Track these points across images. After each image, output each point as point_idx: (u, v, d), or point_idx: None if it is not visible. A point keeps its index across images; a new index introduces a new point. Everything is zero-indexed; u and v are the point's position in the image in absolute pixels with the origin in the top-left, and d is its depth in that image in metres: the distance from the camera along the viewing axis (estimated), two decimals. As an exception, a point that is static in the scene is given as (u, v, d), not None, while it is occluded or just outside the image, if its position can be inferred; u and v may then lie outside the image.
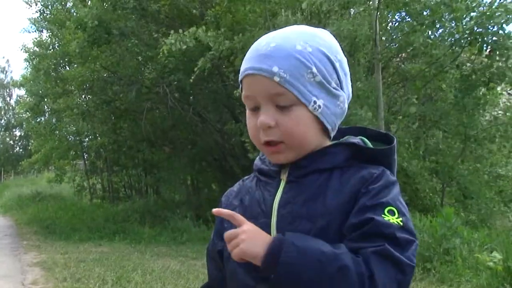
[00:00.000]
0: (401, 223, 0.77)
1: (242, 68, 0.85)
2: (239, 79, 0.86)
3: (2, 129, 34.89)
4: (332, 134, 0.87)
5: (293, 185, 0.85)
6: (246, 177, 0.97)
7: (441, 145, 6.79)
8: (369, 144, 0.88)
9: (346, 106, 0.87)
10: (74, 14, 10.76)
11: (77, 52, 9.81)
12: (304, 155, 0.84)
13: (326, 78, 0.83)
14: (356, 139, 0.87)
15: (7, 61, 45.04)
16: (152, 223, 10.06)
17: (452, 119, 6.76)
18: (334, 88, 0.84)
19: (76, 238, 8.88)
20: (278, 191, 0.85)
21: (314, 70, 0.81)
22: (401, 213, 0.79)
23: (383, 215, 0.77)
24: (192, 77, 7.34)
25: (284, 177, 0.86)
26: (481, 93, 6.42)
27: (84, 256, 6.90)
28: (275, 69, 0.80)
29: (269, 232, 0.82)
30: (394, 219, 0.77)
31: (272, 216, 0.84)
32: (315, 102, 0.82)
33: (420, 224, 5.72)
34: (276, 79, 0.80)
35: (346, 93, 0.87)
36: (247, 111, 0.86)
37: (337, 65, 0.85)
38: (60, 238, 8.96)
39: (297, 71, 0.80)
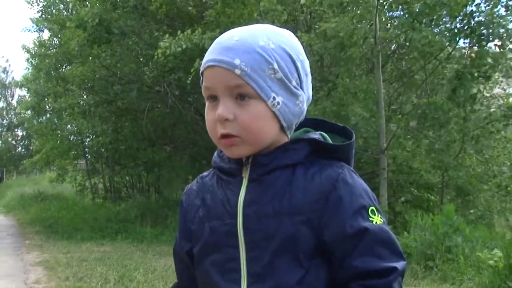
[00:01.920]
0: (382, 220, 0.82)
1: (204, 60, 0.85)
2: (200, 71, 0.86)
3: (4, 129, 34.96)
4: (289, 133, 0.87)
5: (256, 183, 0.84)
6: (204, 173, 0.96)
7: (439, 144, 6.78)
8: (328, 139, 0.88)
9: (305, 107, 0.87)
10: (75, 13, 10.76)
11: (76, 51, 9.81)
12: (258, 150, 0.84)
13: (287, 76, 0.83)
14: (316, 135, 0.87)
15: (7, 60, 45.14)
16: (153, 222, 10.07)
17: (448, 114, 6.75)
18: (294, 87, 0.84)
19: (78, 238, 8.90)
20: (241, 190, 0.84)
21: (276, 66, 0.81)
22: (378, 210, 0.83)
23: (370, 219, 0.80)
24: (189, 78, 7.35)
25: (246, 175, 0.85)
26: (473, 89, 6.41)
27: (86, 255, 6.91)
28: (237, 61, 0.80)
29: (236, 233, 0.83)
30: (378, 219, 0.81)
31: (238, 216, 0.83)
32: (274, 98, 0.81)
33: (422, 222, 5.72)
34: (237, 71, 0.79)
35: (306, 94, 0.87)
36: (206, 104, 0.85)
37: (298, 64, 0.85)
38: (62, 238, 8.98)
39: (258, 65, 0.80)
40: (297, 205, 0.80)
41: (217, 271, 0.84)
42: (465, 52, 6.65)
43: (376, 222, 0.80)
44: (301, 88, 0.86)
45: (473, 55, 6.33)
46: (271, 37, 0.83)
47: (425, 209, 6.68)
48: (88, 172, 15.44)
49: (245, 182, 0.85)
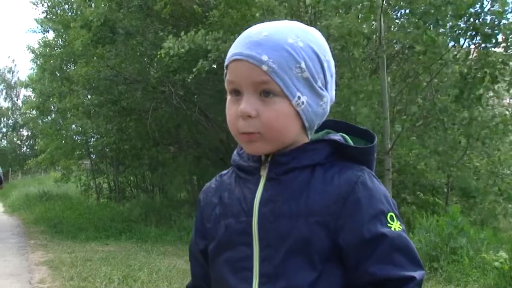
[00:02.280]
0: (401, 227, 0.80)
1: (229, 53, 0.84)
2: (226, 63, 0.84)
3: (10, 129, 35.14)
4: (310, 133, 0.86)
5: (274, 182, 0.83)
6: (223, 172, 0.95)
7: (444, 145, 6.74)
8: (350, 141, 0.87)
9: (328, 108, 0.86)
10: (79, 13, 10.79)
11: (81, 51, 9.85)
12: (279, 149, 0.83)
13: (314, 75, 0.82)
14: (337, 136, 0.86)
15: (13, 60, 45.31)
16: (158, 222, 10.09)
17: (454, 114, 6.72)
18: (319, 87, 0.83)
19: (83, 237, 8.93)
20: (259, 188, 0.84)
21: (303, 65, 0.80)
22: (397, 217, 0.80)
23: (388, 225, 0.78)
24: (190, 78, 7.36)
25: (264, 174, 0.84)
26: (479, 91, 6.38)
27: (91, 255, 6.93)
28: (265, 57, 0.78)
29: (250, 231, 0.82)
30: (397, 225, 0.79)
31: (254, 214, 0.82)
32: (299, 98, 0.80)
33: (426, 224, 5.69)
34: (264, 68, 0.78)
35: (330, 95, 0.86)
36: (228, 98, 0.84)
37: (325, 64, 0.84)
38: (67, 237, 9.01)
39: (286, 63, 0.79)
40: (314, 206, 0.79)
41: (229, 269, 0.84)
42: (470, 53, 6.61)
43: (394, 229, 0.79)
44: (326, 88, 0.85)
45: (475, 55, 6.30)
46: (299, 35, 0.82)
47: (429, 210, 6.65)
48: (93, 172, 15.48)
49: (263, 181, 0.84)
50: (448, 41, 6.32)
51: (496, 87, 6.69)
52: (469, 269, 4.83)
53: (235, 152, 0.93)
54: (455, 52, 6.38)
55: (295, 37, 0.81)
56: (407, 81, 7.66)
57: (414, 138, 7.34)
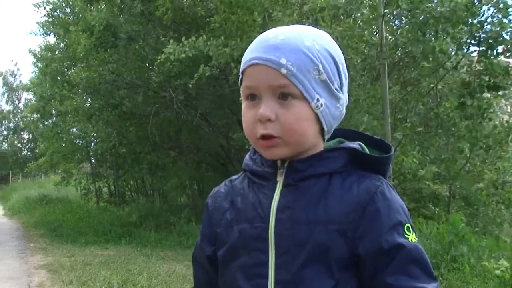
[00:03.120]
0: (416, 238, 0.81)
1: (246, 58, 0.83)
2: (241, 69, 0.84)
3: (11, 132, 35.20)
4: (327, 137, 0.86)
5: (291, 188, 0.82)
6: (233, 177, 0.94)
7: (447, 153, 6.74)
8: (366, 150, 0.86)
9: (344, 110, 0.87)
10: (81, 16, 10.81)
11: (83, 55, 9.88)
12: (297, 153, 0.82)
13: (330, 78, 0.82)
14: (355, 144, 0.86)
15: (16, 64, 45.49)
16: (157, 227, 10.07)
17: (457, 123, 6.72)
18: (336, 89, 0.83)
19: (83, 241, 8.91)
20: (275, 194, 0.83)
21: (321, 67, 0.80)
22: (413, 228, 0.81)
23: (406, 236, 0.79)
24: (191, 84, 7.36)
25: (280, 180, 0.83)
26: (483, 100, 6.37)
27: (90, 259, 6.92)
28: (283, 60, 0.78)
29: (266, 238, 0.81)
30: (413, 237, 0.80)
31: (271, 220, 0.81)
32: (318, 100, 0.80)
33: (427, 231, 5.68)
34: (283, 71, 0.78)
35: (345, 97, 0.86)
36: (244, 103, 0.84)
37: (340, 67, 0.85)
38: (66, 241, 8.99)
39: (304, 66, 0.79)
40: (333, 214, 0.79)
41: (243, 275, 0.82)
42: (473, 61, 6.61)
43: (411, 240, 0.79)
44: (342, 91, 0.85)
45: (477, 65, 6.29)
46: (315, 38, 0.83)
47: (430, 218, 6.64)
48: (93, 176, 15.49)
49: (279, 187, 0.83)
50: (450, 48, 6.33)
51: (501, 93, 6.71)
52: (469, 277, 4.81)
53: (247, 157, 0.91)
54: (458, 61, 6.39)
55: (311, 40, 0.81)
56: (407, 88, 7.67)
57: (415, 146, 7.33)
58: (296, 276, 0.78)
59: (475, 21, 5.93)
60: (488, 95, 6.48)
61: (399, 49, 6.94)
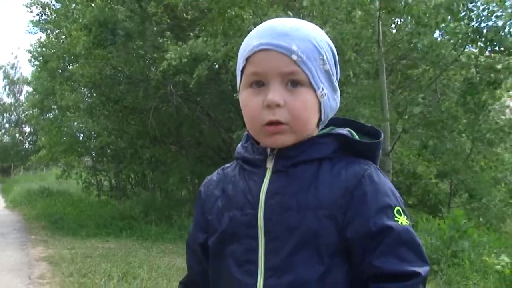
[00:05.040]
0: (408, 222, 0.79)
1: (252, 43, 0.82)
2: (246, 55, 0.82)
3: (12, 125, 35.22)
4: (321, 127, 0.87)
5: (280, 174, 0.82)
6: (226, 165, 0.94)
7: (448, 144, 6.72)
8: (356, 136, 0.87)
9: (339, 102, 0.88)
10: (77, 12, 10.71)
11: (82, 54, 9.85)
12: (299, 141, 0.83)
13: (332, 69, 0.84)
14: (344, 131, 0.86)
15: (16, 57, 45.40)
16: (158, 221, 10.09)
17: (460, 118, 6.70)
18: (335, 81, 0.85)
19: (83, 234, 8.94)
20: (265, 180, 0.83)
21: (325, 57, 0.82)
22: (404, 212, 0.80)
23: (395, 219, 0.78)
24: (191, 83, 7.41)
25: (270, 166, 0.84)
26: (484, 96, 6.34)
27: (91, 251, 6.94)
28: (294, 47, 0.78)
29: (256, 224, 0.81)
30: (403, 220, 0.79)
31: (260, 206, 0.81)
32: (322, 89, 0.82)
33: (428, 226, 5.68)
34: (294, 57, 0.78)
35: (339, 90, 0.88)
36: (248, 90, 0.83)
37: (337, 61, 0.87)
38: (67, 234, 9.02)
39: (312, 54, 0.80)
40: (322, 199, 0.79)
41: (234, 262, 0.83)
42: (473, 58, 6.57)
43: (401, 223, 0.78)
44: (337, 83, 0.87)
45: (480, 60, 6.26)
46: (317, 31, 0.85)
47: (431, 213, 6.65)
48: (94, 169, 15.50)
49: (268, 173, 0.84)
50: (448, 44, 6.30)
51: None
52: (469, 272, 4.82)
53: (239, 145, 0.92)
54: (458, 54, 6.36)
55: (315, 32, 0.84)
56: (408, 82, 7.65)
57: (414, 141, 7.32)
58: (286, 262, 0.78)
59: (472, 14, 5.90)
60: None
61: (398, 44, 6.90)
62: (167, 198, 13.17)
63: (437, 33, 6.84)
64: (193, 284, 0.95)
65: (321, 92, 0.81)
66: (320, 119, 0.84)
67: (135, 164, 13.36)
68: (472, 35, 5.93)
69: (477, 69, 6.33)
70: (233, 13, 7.17)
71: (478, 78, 6.24)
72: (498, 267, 4.44)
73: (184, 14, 9.08)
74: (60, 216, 10.95)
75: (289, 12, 6.93)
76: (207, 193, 0.92)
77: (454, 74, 7.00)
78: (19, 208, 14.28)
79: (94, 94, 12.61)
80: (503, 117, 7.28)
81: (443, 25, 6.03)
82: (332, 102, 0.85)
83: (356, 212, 0.77)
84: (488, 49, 6.12)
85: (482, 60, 6.25)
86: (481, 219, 7.19)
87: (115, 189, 15.40)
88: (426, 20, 5.83)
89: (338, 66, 0.87)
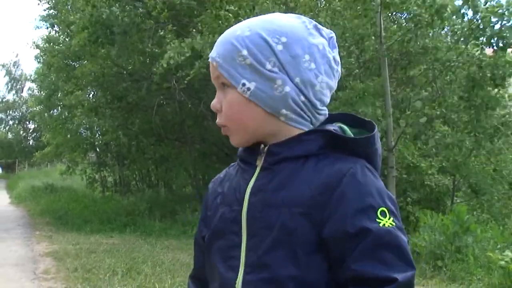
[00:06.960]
0: (394, 223, 0.76)
1: None
2: None
3: (16, 122, 35.36)
4: (293, 120, 0.82)
5: (267, 172, 0.83)
6: (233, 163, 0.96)
7: (449, 139, 6.67)
8: (349, 132, 0.84)
9: (289, 89, 0.80)
10: (77, 13, 10.68)
11: (80, 51, 9.85)
12: (253, 139, 0.85)
13: (260, 61, 0.81)
14: (333, 126, 0.84)
15: (17, 55, 45.56)
16: (162, 217, 10.12)
17: (462, 115, 6.66)
18: (269, 70, 0.81)
19: (88, 229, 8.98)
20: (252, 178, 0.84)
21: (245, 53, 0.81)
22: (390, 212, 0.76)
23: (377, 220, 0.74)
24: (186, 79, 7.45)
25: (259, 164, 0.84)
26: (489, 92, 6.29)
27: (95, 247, 6.97)
28: (214, 54, 0.85)
29: (240, 220, 0.82)
30: (388, 221, 0.75)
31: (244, 203, 0.83)
32: (243, 85, 0.82)
33: (431, 222, 5.67)
34: (215, 64, 0.85)
35: (293, 77, 0.81)
36: None
37: (279, 47, 0.81)
38: (72, 229, 9.07)
39: (229, 55, 0.83)
40: (298, 196, 0.78)
41: (220, 257, 0.85)
42: (475, 55, 6.51)
43: (384, 225, 0.74)
44: (286, 71, 0.81)
45: (483, 57, 6.21)
46: (252, 26, 0.84)
47: (434, 209, 6.62)
48: (98, 165, 15.54)
49: (257, 170, 0.84)
50: (449, 42, 6.26)
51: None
52: (473, 268, 4.81)
53: None
54: (459, 52, 6.32)
55: (245, 28, 0.84)
56: (408, 75, 7.61)
57: (418, 138, 7.28)
58: (262, 259, 0.78)
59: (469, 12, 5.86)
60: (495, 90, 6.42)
61: (398, 41, 6.85)
62: (171, 194, 13.21)
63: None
64: (199, 278, 0.97)
65: (241, 88, 0.82)
66: (268, 112, 0.81)
67: (139, 161, 13.39)
68: (475, 32, 5.89)
69: (481, 64, 6.28)
70: (227, 12, 7.19)
71: (481, 74, 6.19)
72: (503, 262, 4.43)
73: (182, 13, 9.06)
74: (64, 212, 11.01)
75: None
76: (212, 190, 0.95)
77: (457, 69, 6.95)
78: (24, 204, 14.36)
79: (98, 92, 12.63)
80: (502, 112, 7.23)
81: (439, 21, 5.98)
82: (271, 92, 0.80)
83: (333, 212, 0.75)
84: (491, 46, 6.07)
85: (484, 58, 6.20)
86: (484, 215, 7.16)
87: (119, 185, 15.44)
88: (422, 17, 5.79)
89: (288, 51, 0.80)
